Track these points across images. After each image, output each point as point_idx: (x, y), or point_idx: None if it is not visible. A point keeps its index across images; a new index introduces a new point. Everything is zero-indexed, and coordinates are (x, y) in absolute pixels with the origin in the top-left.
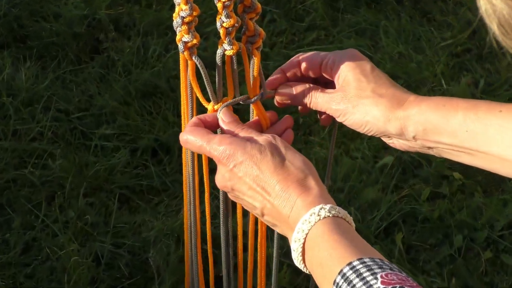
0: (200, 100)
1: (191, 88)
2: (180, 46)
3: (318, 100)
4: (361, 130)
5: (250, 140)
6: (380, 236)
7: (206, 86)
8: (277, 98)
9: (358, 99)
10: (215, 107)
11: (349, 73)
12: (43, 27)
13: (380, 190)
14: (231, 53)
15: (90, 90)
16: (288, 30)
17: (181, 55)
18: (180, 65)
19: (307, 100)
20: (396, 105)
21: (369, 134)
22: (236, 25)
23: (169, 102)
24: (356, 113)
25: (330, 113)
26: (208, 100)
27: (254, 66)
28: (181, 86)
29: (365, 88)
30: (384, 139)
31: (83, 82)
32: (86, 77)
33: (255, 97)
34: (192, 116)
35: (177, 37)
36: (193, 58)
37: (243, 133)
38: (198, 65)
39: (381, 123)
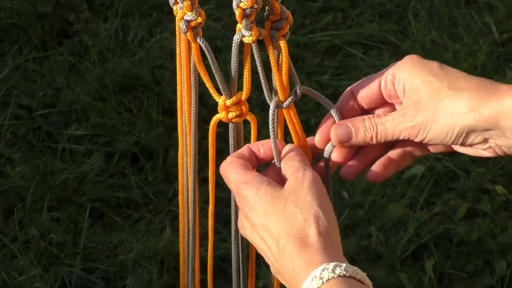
0: (210, 91)
1: (195, 77)
2: (182, 26)
3: (386, 126)
4: (449, 139)
5: (269, 180)
6: (407, 261)
7: (215, 74)
8: (334, 142)
9: (435, 103)
10: (227, 101)
11: (415, 79)
12: (1, 5)
13: (407, 206)
14: (250, 40)
15: (58, 82)
16: (298, 12)
17: (178, 38)
18: (177, 50)
19: (372, 133)
20: (486, 94)
21: (458, 144)
22: (255, 6)
23: (153, 97)
24: (439, 119)
25: (406, 135)
26: (219, 93)
27: (281, 58)
28: (178, 76)
29: (439, 87)
30: (478, 149)
31: (49, 72)
32: (53, 66)
33: (288, 99)
34: (195, 112)
35: (178, 16)
36: (198, 40)
37: (293, 165)
38: (204, 49)
39: (471, 120)
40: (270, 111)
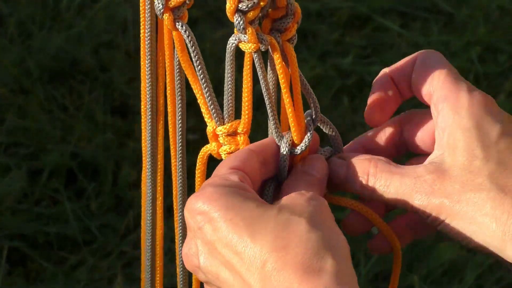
0: (201, 106)
1: (181, 81)
2: (158, 4)
3: (389, 187)
4: (466, 244)
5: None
6: None
7: (201, 84)
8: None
9: (463, 190)
10: (219, 129)
11: (458, 133)
12: None
13: (463, 247)
14: (249, 48)
15: None
16: None
17: (143, 16)
18: (141, 36)
19: (365, 187)
20: None
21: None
22: None
23: (98, 90)
24: (459, 217)
25: (413, 210)
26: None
27: (291, 73)
28: (142, 74)
29: (480, 170)
30: None
31: None
32: None
33: (304, 141)
34: (181, 135)
35: None
36: (178, 26)
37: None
38: (187, 41)
39: (499, 242)
40: (281, 155)
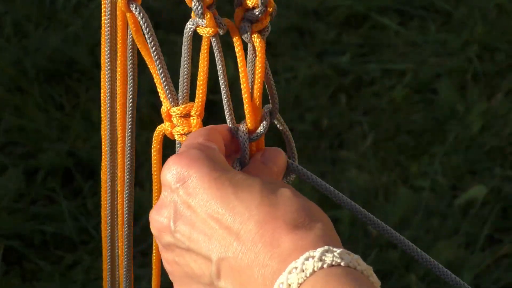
0: (157, 86)
1: (133, 61)
2: None
3: None
4: None
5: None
6: None
7: (155, 64)
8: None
9: None
10: (172, 110)
11: None
12: None
13: (462, 246)
14: (207, 33)
15: None
16: None
17: (104, 4)
18: (102, 21)
19: None
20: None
21: None
22: None
23: (94, 89)
24: None
25: None
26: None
27: (254, 64)
28: (102, 58)
29: None
30: None
31: None
32: None
33: (260, 128)
34: (132, 112)
35: None
36: (132, 8)
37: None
38: (141, 22)
39: None
40: (240, 143)
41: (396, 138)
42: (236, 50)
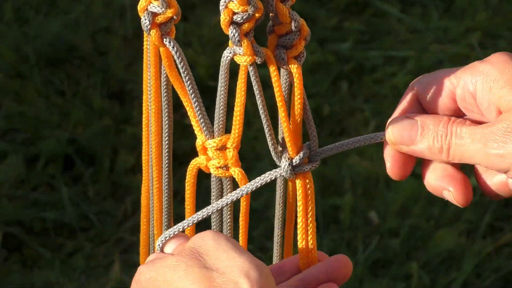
0: (191, 119)
1: (168, 96)
2: (145, 20)
3: (465, 143)
4: None
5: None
6: None
7: (190, 97)
8: (389, 138)
9: None
10: (208, 142)
11: (507, 97)
12: None
13: (463, 234)
14: (244, 61)
15: None
16: None
17: (145, 38)
18: (144, 56)
19: (443, 144)
20: None
21: None
22: (249, 11)
23: (95, 75)
24: None
25: (489, 165)
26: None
27: (294, 91)
28: (144, 85)
29: None
30: None
31: None
32: None
33: (300, 154)
34: (168, 151)
35: (140, 5)
36: (166, 42)
37: None
38: (175, 56)
39: None
40: (283, 169)
41: None
42: (274, 79)
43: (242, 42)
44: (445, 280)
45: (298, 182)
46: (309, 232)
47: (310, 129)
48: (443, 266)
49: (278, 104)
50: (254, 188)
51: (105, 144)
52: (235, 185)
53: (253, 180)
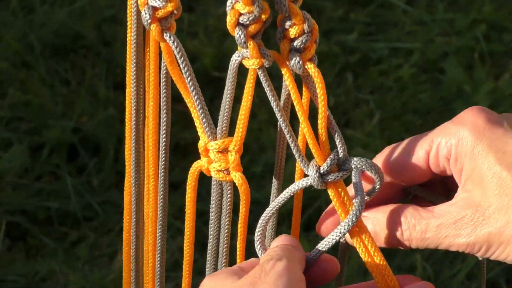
0: (194, 119)
1: (166, 92)
2: (145, 15)
3: (427, 234)
4: None
5: (235, 270)
6: None
7: (192, 96)
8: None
9: (508, 210)
10: (210, 144)
11: (479, 163)
12: None
13: None
14: (253, 65)
15: None
16: None
17: (129, 26)
18: (127, 45)
19: (404, 234)
20: None
21: None
22: (255, 12)
23: (100, 65)
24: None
25: (459, 250)
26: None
27: (318, 96)
28: (127, 84)
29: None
30: None
31: None
32: None
33: (327, 161)
34: (165, 150)
35: None
36: (166, 37)
37: None
38: (175, 52)
39: None
40: (312, 178)
41: (403, 117)
42: (288, 82)
43: (248, 44)
44: (449, 272)
45: (330, 192)
46: (372, 252)
47: (336, 134)
48: (447, 257)
49: (296, 108)
50: (285, 200)
51: (109, 133)
52: (235, 190)
53: (284, 191)
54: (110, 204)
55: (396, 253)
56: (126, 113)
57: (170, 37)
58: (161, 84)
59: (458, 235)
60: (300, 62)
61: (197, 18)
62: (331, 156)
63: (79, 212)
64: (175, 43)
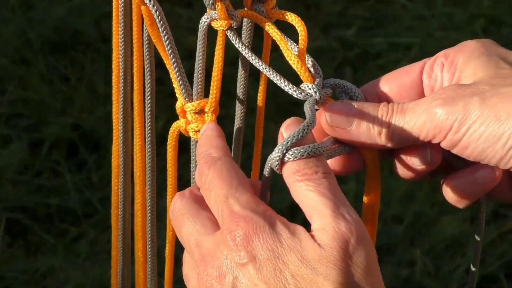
0: (173, 82)
1: (150, 56)
2: None
3: (406, 118)
4: (501, 154)
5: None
6: None
7: (169, 59)
8: (326, 121)
9: (494, 88)
10: (187, 105)
11: (476, 62)
12: None
13: (467, 220)
14: (221, 26)
15: None
16: None
17: None
18: (113, 14)
19: (382, 126)
20: None
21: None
22: None
23: (99, 61)
24: (494, 113)
25: (431, 134)
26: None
27: (300, 37)
28: (114, 52)
29: (508, 74)
30: None
31: None
32: None
33: (316, 81)
34: (151, 110)
35: None
36: (146, 1)
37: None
38: (155, 15)
39: None
40: (308, 106)
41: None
42: (268, 29)
43: (216, 6)
44: (449, 267)
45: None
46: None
47: (316, 70)
48: (447, 252)
49: (277, 42)
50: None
51: (109, 130)
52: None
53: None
54: (110, 200)
55: (395, 248)
56: (113, 76)
57: (150, 0)
58: (144, 46)
59: (433, 110)
60: (264, 12)
61: (195, 15)
62: (316, 76)
63: (79, 208)
64: (155, 7)
